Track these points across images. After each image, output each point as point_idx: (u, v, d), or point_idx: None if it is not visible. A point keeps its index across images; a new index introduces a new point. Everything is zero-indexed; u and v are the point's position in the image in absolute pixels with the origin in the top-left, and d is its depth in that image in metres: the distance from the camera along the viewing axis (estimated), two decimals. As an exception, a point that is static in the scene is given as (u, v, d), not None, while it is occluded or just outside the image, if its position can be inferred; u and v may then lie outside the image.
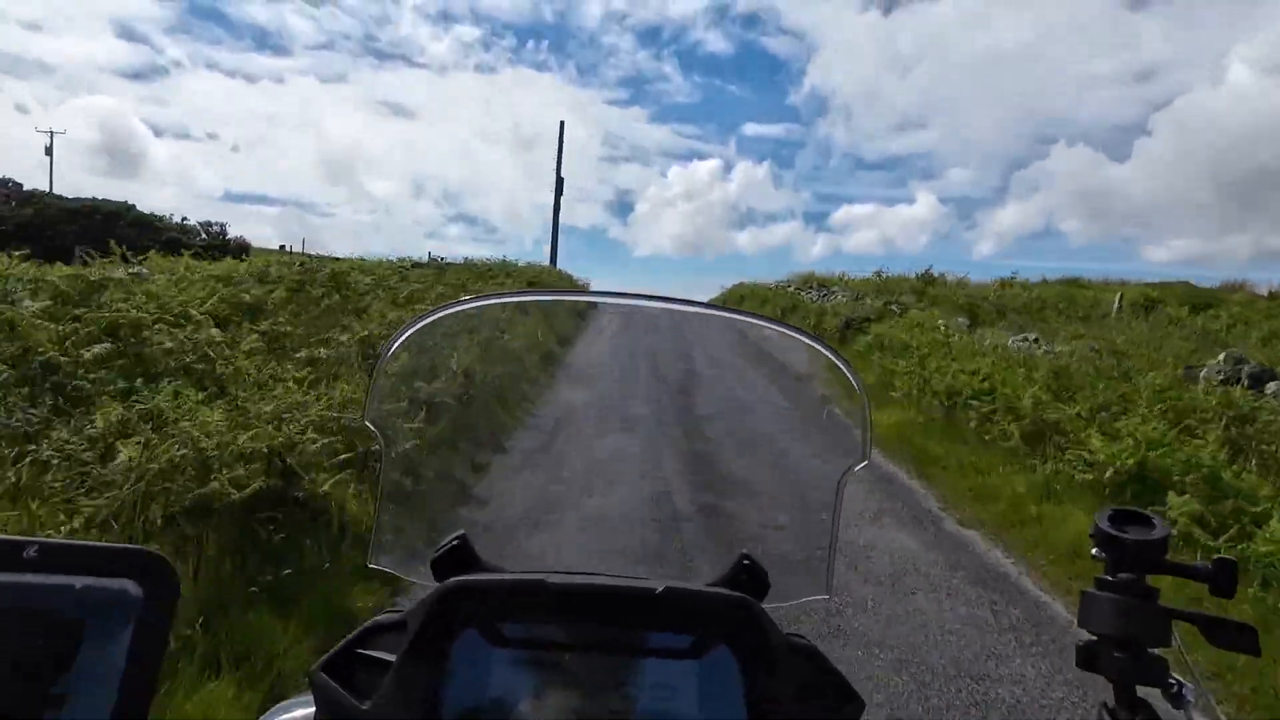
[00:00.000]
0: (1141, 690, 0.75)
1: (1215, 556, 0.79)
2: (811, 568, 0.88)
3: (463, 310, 0.85)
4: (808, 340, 0.84)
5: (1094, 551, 0.81)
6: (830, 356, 0.82)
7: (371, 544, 0.83)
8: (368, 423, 0.84)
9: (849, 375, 0.81)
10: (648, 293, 0.82)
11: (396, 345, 0.84)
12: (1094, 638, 0.78)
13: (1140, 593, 0.76)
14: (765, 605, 0.70)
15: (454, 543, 0.75)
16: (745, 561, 0.77)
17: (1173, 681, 0.74)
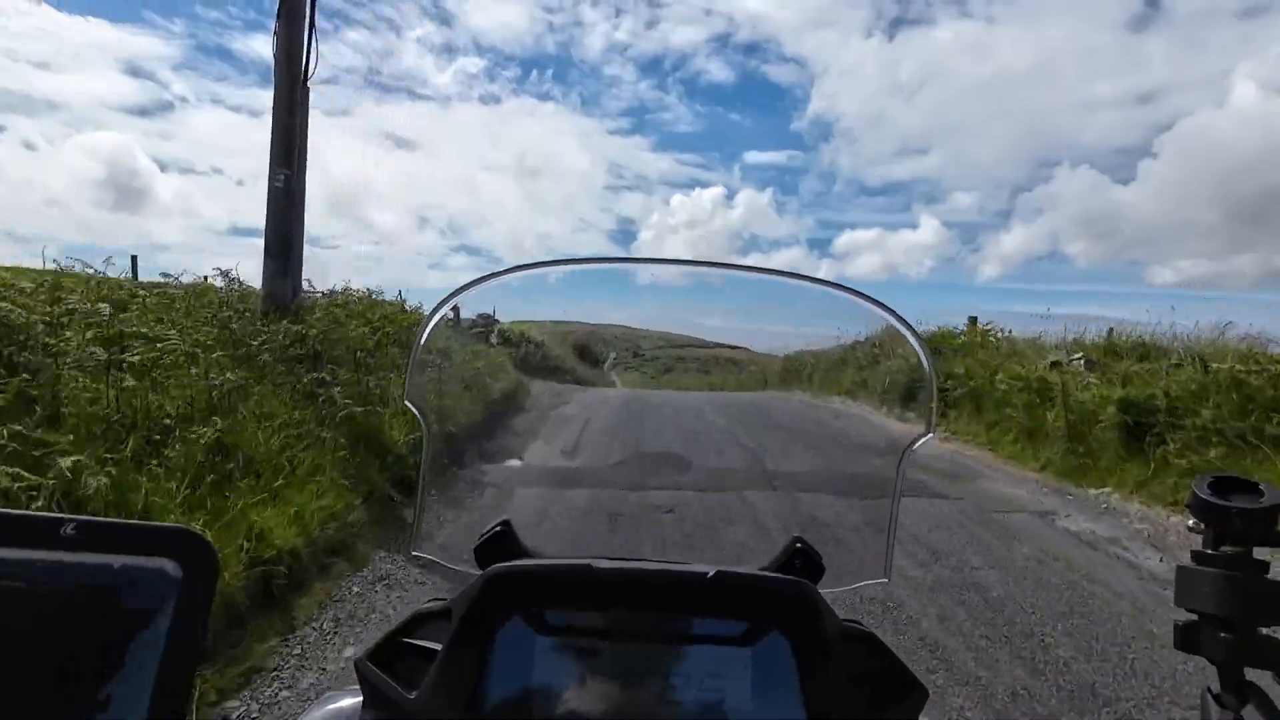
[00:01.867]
0: (1251, 673, 0.69)
1: None
2: (869, 550, 0.85)
3: (504, 279, 0.83)
4: (872, 305, 0.80)
5: (1190, 523, 0.75)
6: (896, 324, 0.79)
7: (413, 531, 0.82)
8: (408, 402, 0.82)
9: (915, 344, 0.78)
10: (695, 259, 0.80)
11: (436, 319, 0.83)
12: (1194, 617, 0.72)
13: (1248, 566, 0.70)
14: (820, 590, 0.68)
15: (497, 529, 0.74)
16: (798, 545, 0.75)
17: None
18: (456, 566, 0.79)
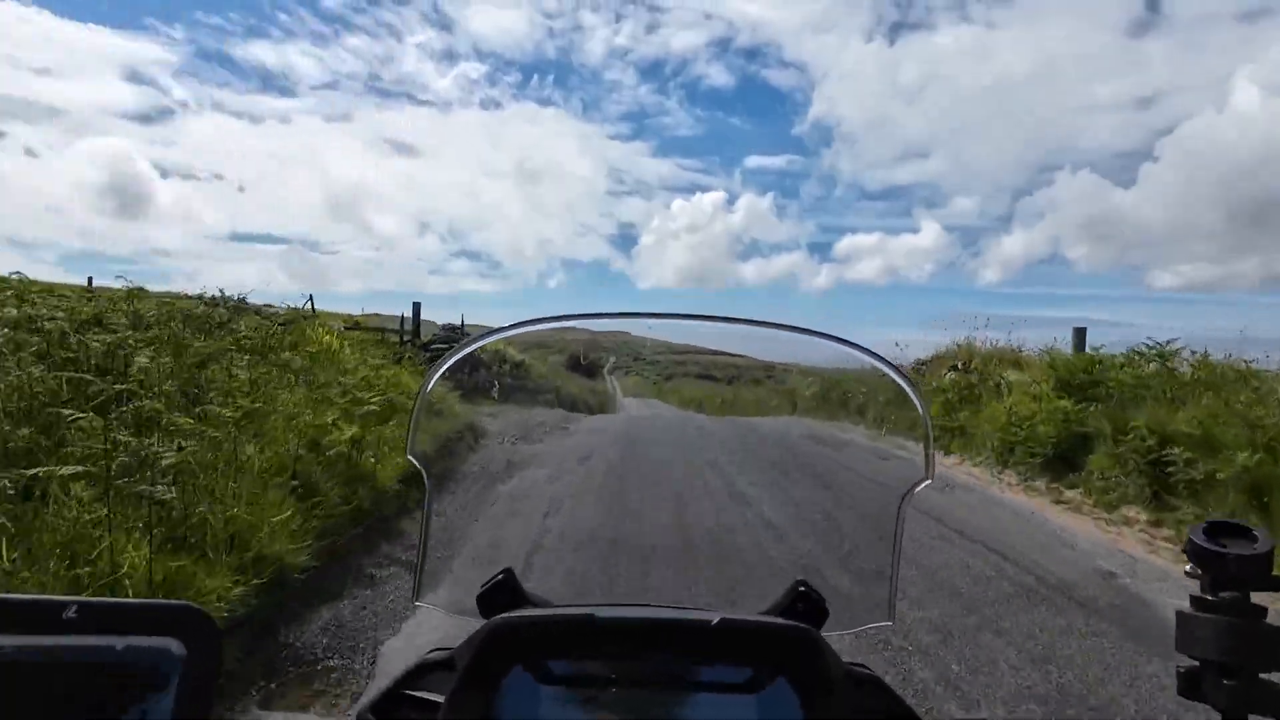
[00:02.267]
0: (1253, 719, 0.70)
1: None
2: (872, 593, 0.86)
3: (509, 336, 0.86)
4: (863, 354, 0.82)
5: (1188, 568, 0.77)
6: (889, 371, 0.80)
7: (416, 581, 0.82)
8: (410, 458, 0.82)
9: (910, 391, 0.80)
10: (696, 313, 0.82)
11: (438, 375, 0.84)
12: (1195, 663, 0.73)
13: (1247, 612, 0.71)
14: (825, 634, 0.68)
15: (499, 578, 0.74)
16: (801, 588, 0.75)
17: None
18: (459, 616, 0.80)
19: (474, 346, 0.85)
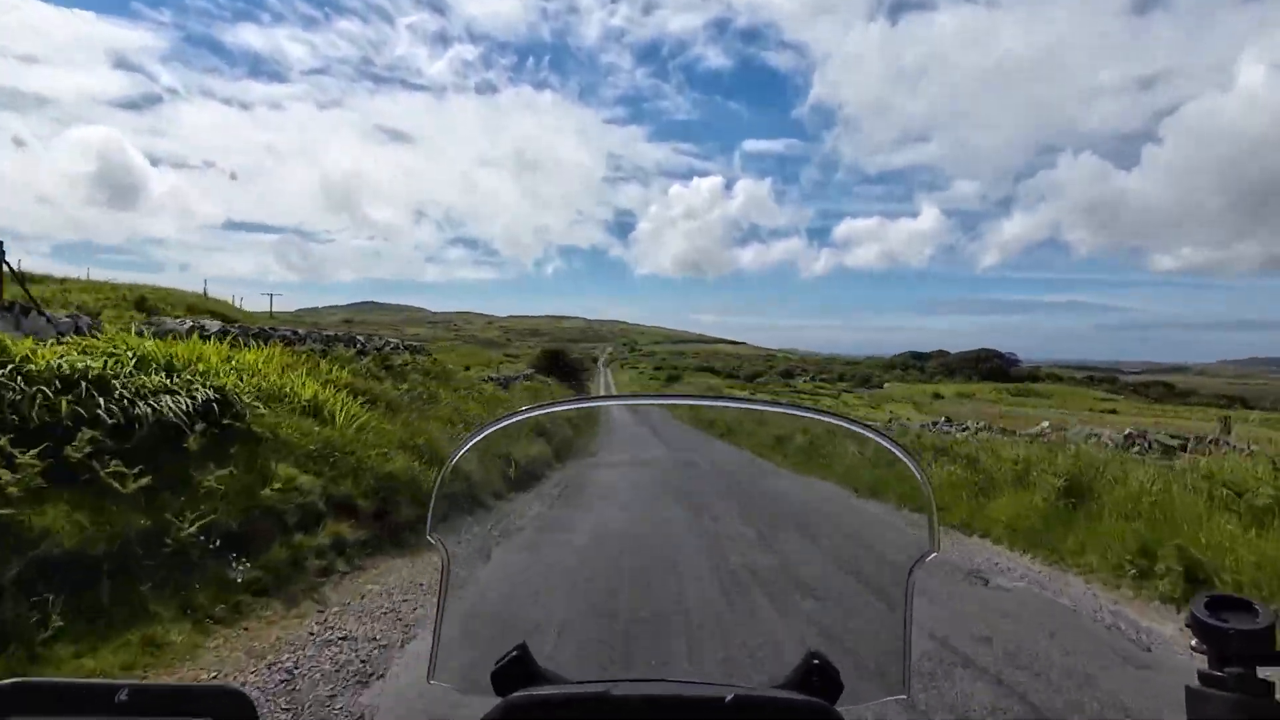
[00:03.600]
0: None
1: None
2: (886, 665, 0.86)
3: (526, 419, 0.88)
4: (871, 434, 0.84)
5: (1193, 643, 0.78)
6: (894, 450, 0.82)
7: (431, 659, 0.83)
8: (430, 538, 0.84)
9: (913, 468, 0.82)
10: (705, 395, 0.84)
11: (458, 457, 0.87)
12: None
13: (1255, 690, 0.72)
14: (841, 707, 0.69)
15: (514, 654, 0.75)
16: (815, 660, 0.75)
17: None
18: (475, 694, 0.80)
19: (491, 430, 0.87)
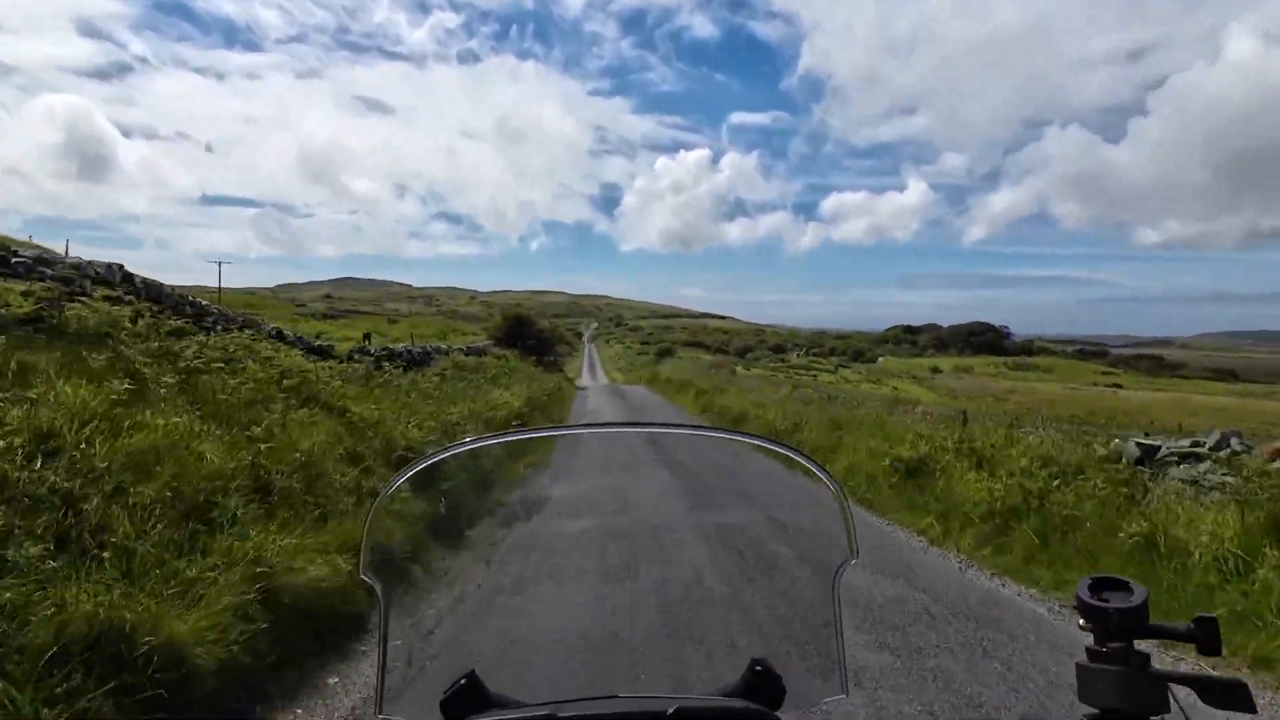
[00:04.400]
0: None
1: (1196, 616, 0.82)
2: (824, 668, 0.91)
3: (460, 453, 0.90)
4: (784, 450, 0.91)
5: (1080, 623, 0.85)
6: (806, 463, 0.89)
7: (378, 693, 0.83)
8: (364, 576, 0.84)
9: (826, 480, 0.88)
10: (640, 421, 0.90)
11: (390, 492, 0.89)
12: (1096, 711, 0.81)
13: (1133, 662, 0.80)
14: (784, 712, 0.73)
15: (462, 682, 0.77)
16: (758, 667, 0.79)
17: None
18: None
19: (425, 465, 0.88)
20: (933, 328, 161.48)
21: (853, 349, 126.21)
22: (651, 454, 8.02)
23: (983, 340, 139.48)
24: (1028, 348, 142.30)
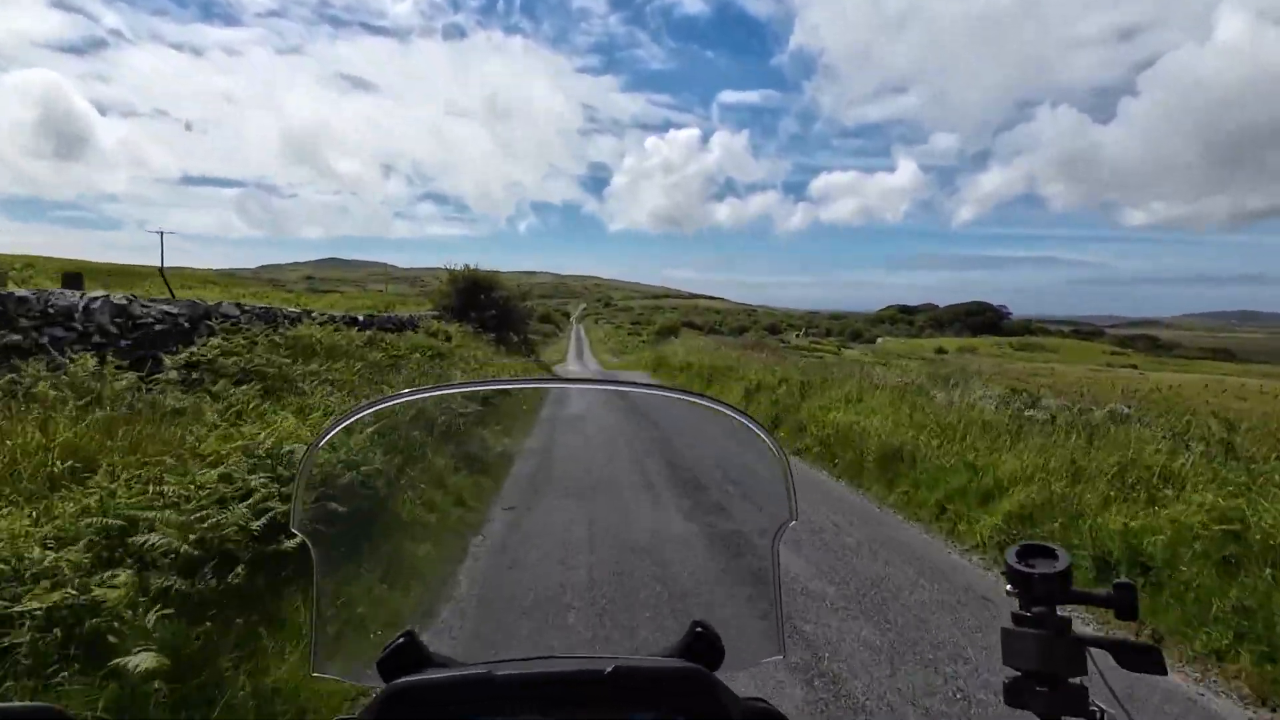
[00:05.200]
0: None
1: (1115, 582, 0.87)
2: (763, 628, 0.94)
3: (392, 405, 0.90)
4: (725, 410, 0.93)
5: (1008, 588, 0.91)
6: (747, 423, 0.91)
7: (312, 652, 0.84)
8: (295, 530, 0.86)
9: (766, 440, 0.90)
10: (588, 377, 0.92)
11: (321, 444, 0.89)
12: (1018, 674, 0.86)
13: (1054, 626, 0.85)
14: (722, 672, 0.76)
15: (400, 641, 0.78)
16: (699, 629, 0.81)
17: (1094, 709, 0.83)
18: (360, 683, 0.82)
19: (363, 413, 0.88)
20: (929, 307, 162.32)
21: (851, 329, 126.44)
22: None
23: (981, 320, 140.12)
24: (1026, 327, 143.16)
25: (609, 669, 0.69)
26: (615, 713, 0.70)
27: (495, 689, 0.69)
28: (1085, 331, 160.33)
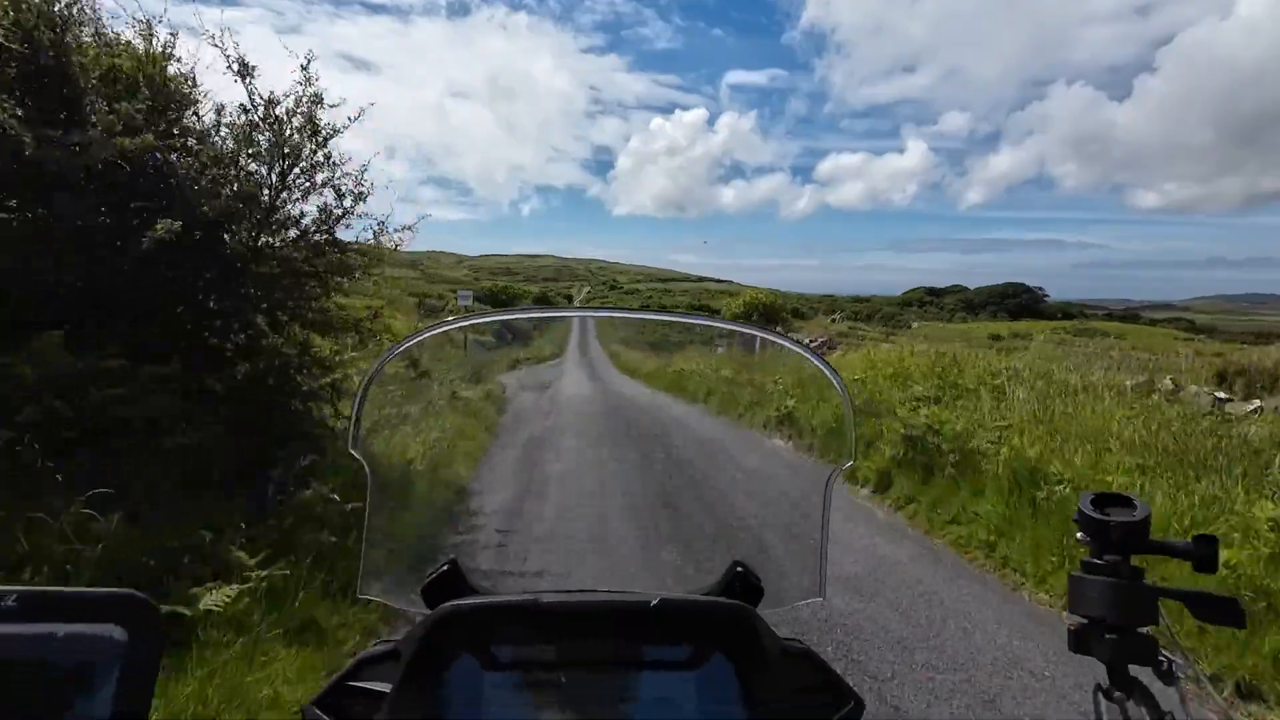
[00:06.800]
0: (1133, 669, 0.86)
1: (1195, 534, 0.88)
2: (804, 570, 0.96)
3: (444, 331, 0.93)
4: (793, 346, 0.93)
5: (1079, 536, 0.92)
6: (816, 362, 0.91)
7: (360, 574, 0.88)
8: (353, 452, 0.90)
9: (833, 379, 0.90)
10: (631, 309, 0.90)
11: (379, 369, 0.91)
12: (1085, 620, 0.88)
13: (1126, 574, 0.86)
14: (761, 610, 0.78)
15: (444, 568, 0.82)
16: (739, 569, 0.84)
17: (1163, 659, 0.84)
18: (404, 607, 0.86)
19: (413, 341, 0.91)
20: (958, 289, 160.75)
21: (882, 313, 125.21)
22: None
23: (1017, 303, 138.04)
24: (1065, 310, 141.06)
25: (655, 601, 0.72)
26: (656, 644, 0.73)
27: (540, 614, 0.72)
28: (1118, 315, 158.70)
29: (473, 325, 0.94)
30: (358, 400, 0.92)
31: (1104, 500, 0.90)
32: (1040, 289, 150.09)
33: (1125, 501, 0.89)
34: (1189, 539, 0.86)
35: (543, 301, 72.58)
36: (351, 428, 0.92)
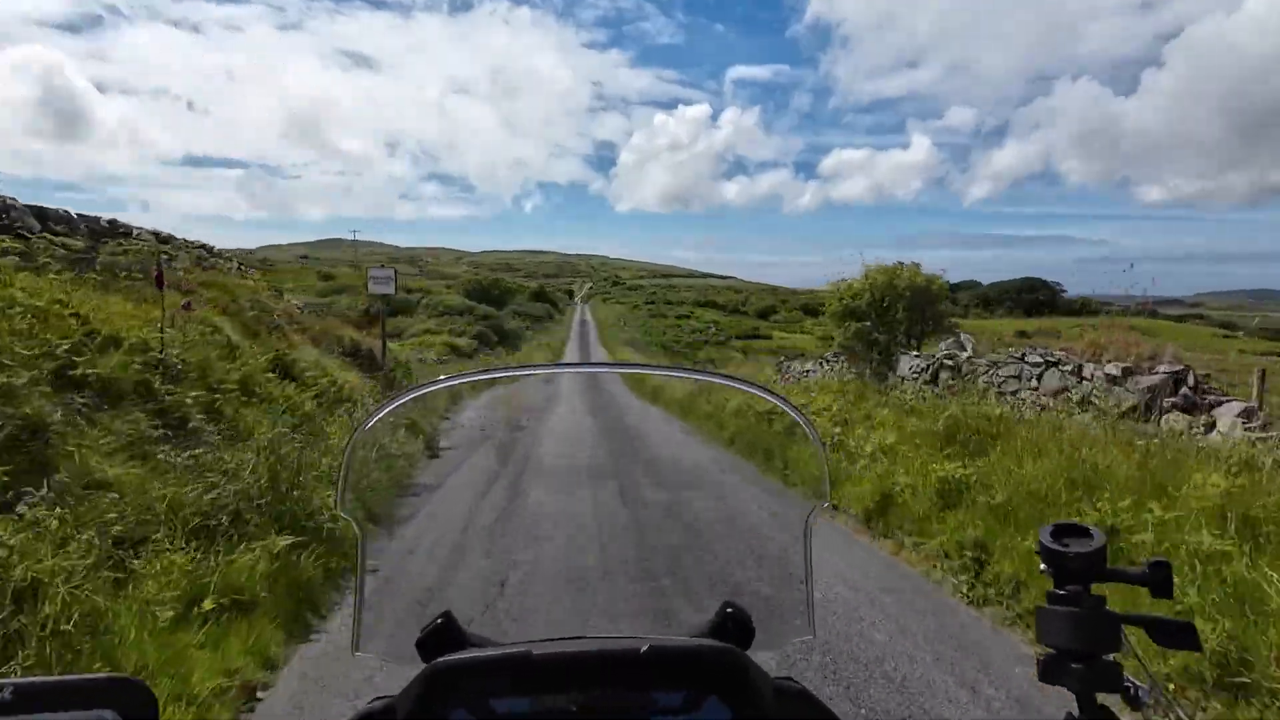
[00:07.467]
0: (1101, 696, 0.89)
1: (1150, 560, 0.92)
2: (793, 608, 1.00)
3: (434, 390, 0.98)
4: (766, 394, 0.98)
5: (1042, 567, 0.95)
6: (786, 409, 0.95)
7: (354, 632, 0.90)
8: (341, 513, 0.93)
9: (804, 424, 0.95)
10: (616, 362, 0.96)
11: (367, 429, 0.94)
12: (1052, 651, 0.91)
13: (1089, 603, 0.90)
14: (753, 651, 0.81)
15: (439, 622, 0.84)
16: (729, 610, 0.87)
17: (1129, 684, 0.88)
18: (399, 663, 0.88)
19: (405, 399, 0.94)
20: (972, 284, 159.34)
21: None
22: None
23: (1035, 299, 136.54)
24: (1084, 306, 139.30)
25: (644, 648, 0.74)
26: (649, 691, 0.74)
27: (535, 667, 0.74)
28: (1134, 311, 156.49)
29: (462, 384, 0.96)
30: (344, 461, 0.94)
31: (1062, 531, 0.93)
32: (1058, 284, 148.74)
33: (1083, 531, 0.92)
34: (1144, 567, 0.91)
35: (540, 296, 71.74)
36: (339, 487, 0.93)
